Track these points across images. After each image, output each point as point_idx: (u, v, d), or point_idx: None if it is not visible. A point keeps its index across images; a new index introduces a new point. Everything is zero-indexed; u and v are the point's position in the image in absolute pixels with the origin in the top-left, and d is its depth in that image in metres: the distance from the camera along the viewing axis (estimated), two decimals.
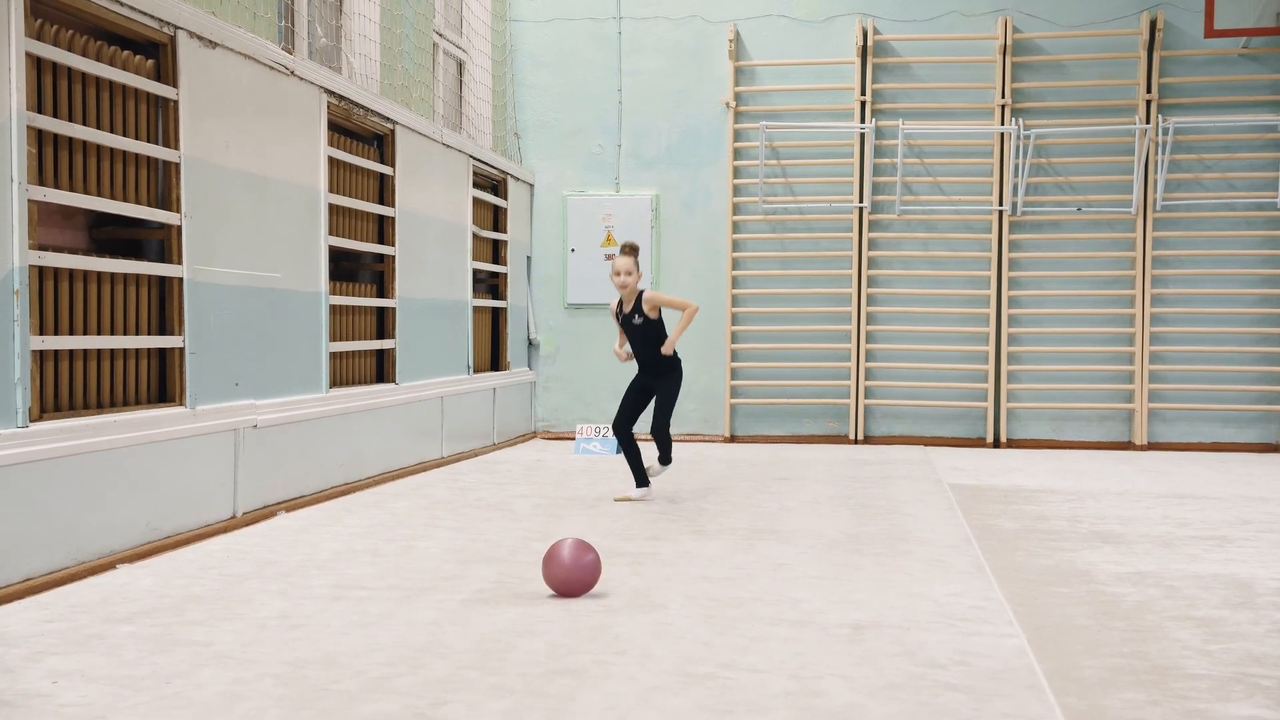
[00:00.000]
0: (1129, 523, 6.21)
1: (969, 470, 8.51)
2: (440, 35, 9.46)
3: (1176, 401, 10.11)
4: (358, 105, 7.32)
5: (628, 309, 6.83)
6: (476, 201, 9.57)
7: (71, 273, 4.89)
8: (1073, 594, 4.53)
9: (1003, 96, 10.16)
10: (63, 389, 4.85)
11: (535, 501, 6.79)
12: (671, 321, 6.93)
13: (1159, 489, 7.56)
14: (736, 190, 10.60)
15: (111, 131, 5.12)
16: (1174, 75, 10.09)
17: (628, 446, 6.85)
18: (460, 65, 10.11)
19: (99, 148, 5.06)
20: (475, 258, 9.54)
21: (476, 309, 9.59)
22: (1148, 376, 10.07)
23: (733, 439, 10.57)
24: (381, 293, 7.91)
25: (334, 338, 7.13)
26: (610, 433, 9.45)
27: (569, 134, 10.93)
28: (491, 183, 10.15)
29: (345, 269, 7.70)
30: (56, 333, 4.81)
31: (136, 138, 5.29)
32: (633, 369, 7.03)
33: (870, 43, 10.31)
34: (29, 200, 4.50)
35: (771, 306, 10.58)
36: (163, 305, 5.51)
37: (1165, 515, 6.47)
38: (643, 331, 6.81)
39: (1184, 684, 3.39)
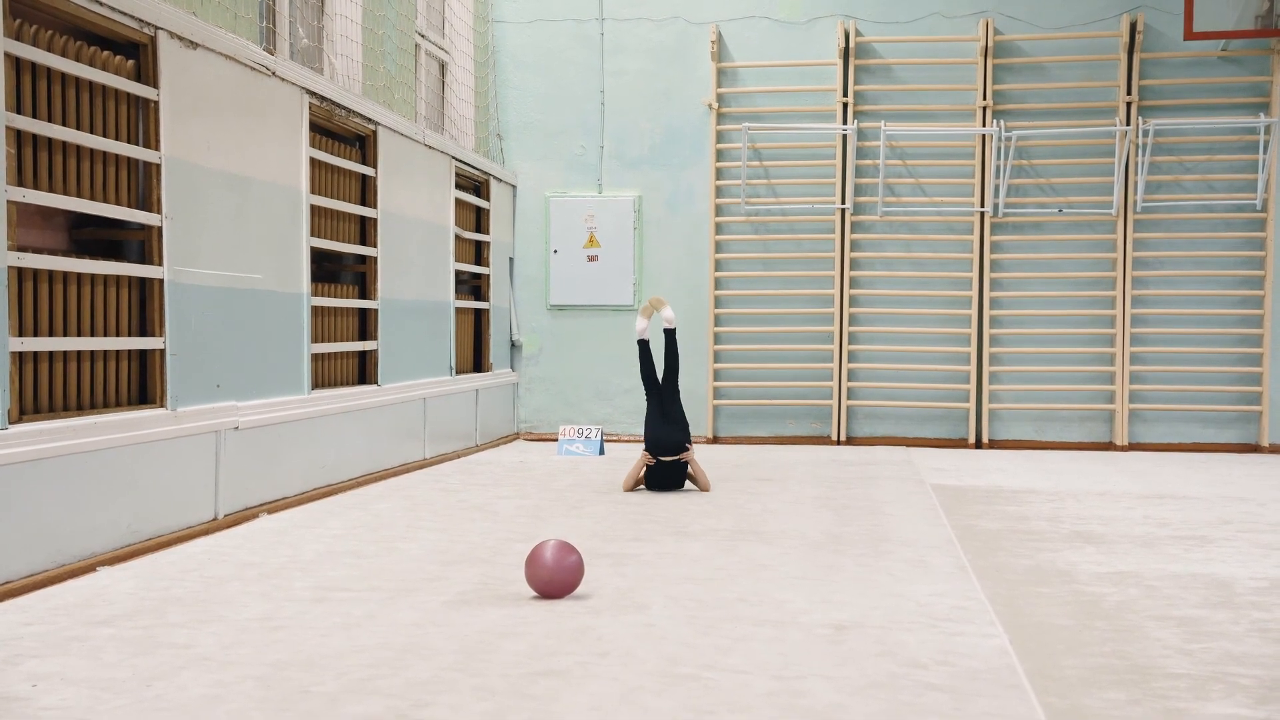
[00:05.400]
0: (1110, 523, 6.24)
1: (951, 471, 8.53)
2: (422, 36, 9.44)
3: (1157, 402, 10.16)
4: (339, 106, 7.30)
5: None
6: (459, 203, 9.56)
7: (51, 274, 4.87)
8: (1054, 594, 4.55)
9: (984, 98, 10.20)
10: (42, 390, 4.83)
11: (518, 503, 6.78)
12: None
13: (1139, 489, 7.60)
14: (719, 191, 10.61)
15: (91, 132, 5.10)
16: (1154, 77, 10.14)
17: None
18: (443, 66, 10.09)
19: (79, 148, 5.04)
20: (458, 259, 9.52)
21: (459, 310, 9.58)
22: (1128, 377, 10.12)
23: (715, 440, 10.58)
24: (363, 294, 7.88)
25: (316, 339, 7.10)
26: (593, 434, 9.48)
27: (551, 135, 10.92)
28: (474, 184, 10.13)
29: (327, 270, 7.68)
30: (36, 334, 4.78)
31: (117, 138, 5.26)
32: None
33: (852, 44, 10.33)
34: (8, 201, 4.47)
35: (754, 308, 10.59)
36: (143, 306, 5.48)
37: (1146, 515, 6.50)
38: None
39: (1164, 683, 3.41)
